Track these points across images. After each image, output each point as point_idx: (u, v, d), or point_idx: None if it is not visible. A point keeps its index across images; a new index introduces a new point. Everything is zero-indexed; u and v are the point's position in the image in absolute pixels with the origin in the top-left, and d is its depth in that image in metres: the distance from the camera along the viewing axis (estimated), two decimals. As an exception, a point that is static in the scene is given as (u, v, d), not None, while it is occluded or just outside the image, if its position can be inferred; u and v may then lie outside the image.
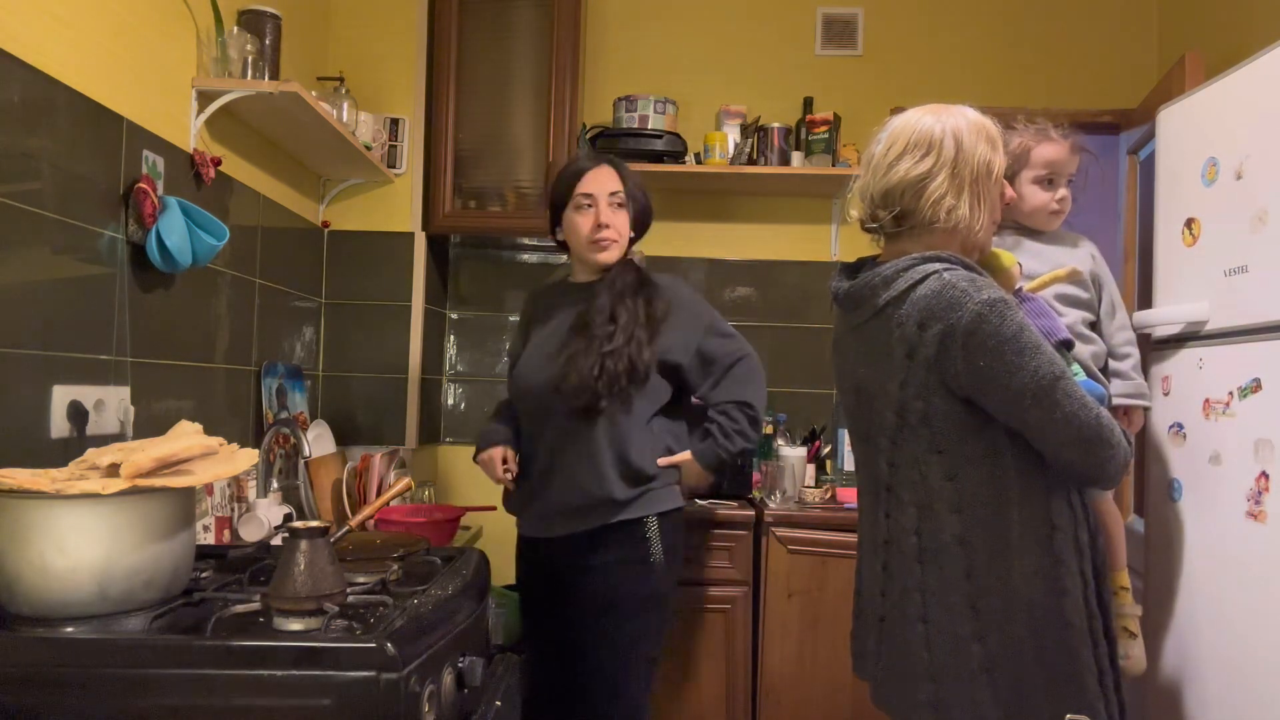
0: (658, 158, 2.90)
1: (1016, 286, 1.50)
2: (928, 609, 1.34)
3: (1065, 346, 1.41)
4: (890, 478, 1.40)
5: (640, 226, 2.07)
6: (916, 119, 1.41)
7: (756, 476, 2.79)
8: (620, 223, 2.00)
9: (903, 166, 1.38)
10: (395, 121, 2.82)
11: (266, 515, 1.98)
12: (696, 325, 1.99)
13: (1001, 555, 1.30)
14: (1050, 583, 1.30)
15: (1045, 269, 1.73)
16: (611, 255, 1.99)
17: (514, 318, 3.20)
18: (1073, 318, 1.81)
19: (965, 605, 1.31)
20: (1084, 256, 1.89)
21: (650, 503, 1.91)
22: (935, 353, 1.28)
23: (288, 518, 2.04)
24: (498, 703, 1.35)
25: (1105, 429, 1.29)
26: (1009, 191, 1.50)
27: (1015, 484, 1.31)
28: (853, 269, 1.50)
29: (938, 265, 1.32)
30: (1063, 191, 1.85)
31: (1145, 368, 2.08)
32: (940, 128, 1.38)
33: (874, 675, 1.47)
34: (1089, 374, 1.67)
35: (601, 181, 1.99)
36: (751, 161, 2.96)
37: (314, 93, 2.23)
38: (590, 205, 1.98)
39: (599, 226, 1.97)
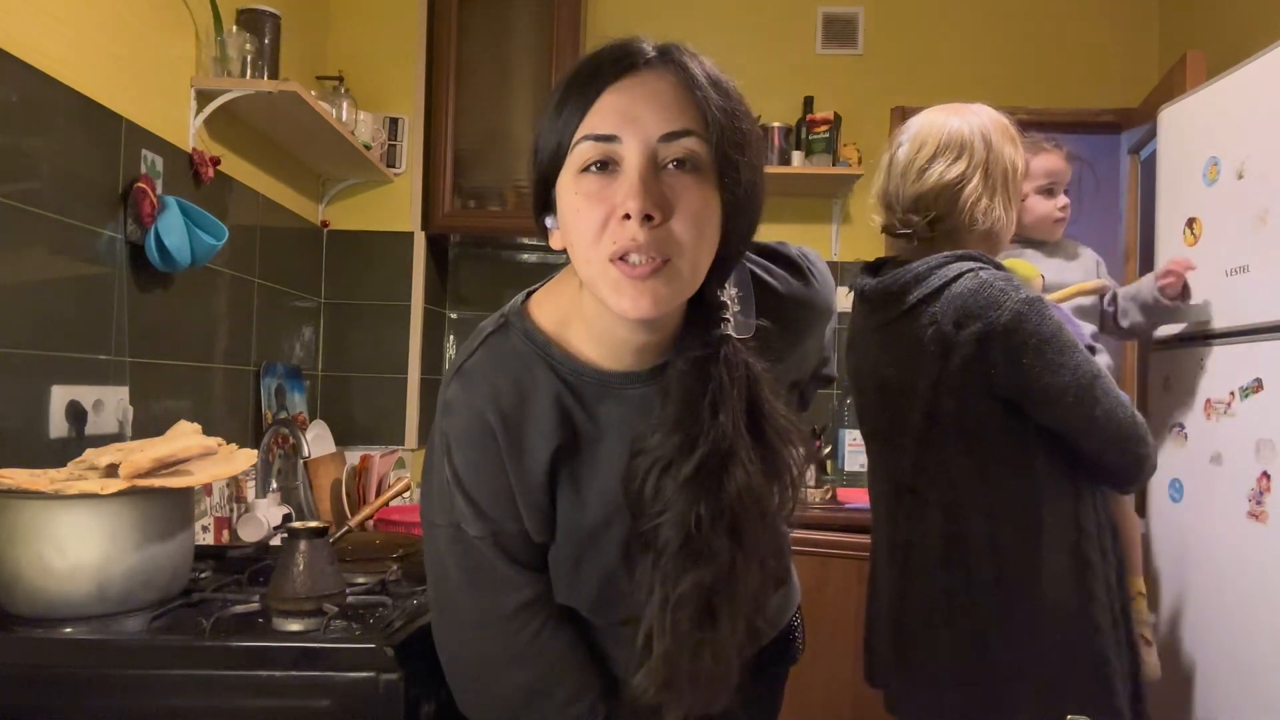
0: (657, 157, 2.89)
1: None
2: (953, 614, 1.31)
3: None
4: (914, 479, 1.37)
5: (740, 227, 0.86)
6: (943, 120, 1.39)
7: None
8: (687, 216, 0.79)
9: (936, 170, 1.36)
10: (395, 121, 2.82)
11: (265, 515, 1.97)
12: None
13: (1030, 559, 1.29)
14: (1077, 586, 1.29)
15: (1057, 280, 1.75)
16: (663, 299, 0.80)
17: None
18: (1085, 331, 1.81)
19: (993, 610, 1.29)
20: (1088, 265, 1.92)
21: (794, 590, 1.26)
22: (974, 352, 1.26)
23: (287, 518, 2.04)
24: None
25: (1141, 426, 1.30)
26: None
27: (1046, 487, 1.30)
28: (874, 268, 1.48)
29: (972, 264, 1.30)
30: (1063, 199, 1.88)
31: (1146, 367, 2.09)
32: (969, 129, 1.37)
33: (889, 682, 1.44)
34: None
35: (640, 108, 0.80)
36: (752, 161, 2.96)
37: (313, 92, 2.22)
38: (608, 165, 0.80)
39: (626, 222, 0.78)
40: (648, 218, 0.77)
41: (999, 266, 1.33)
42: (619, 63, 0.82)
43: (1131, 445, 1.29)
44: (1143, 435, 1.29)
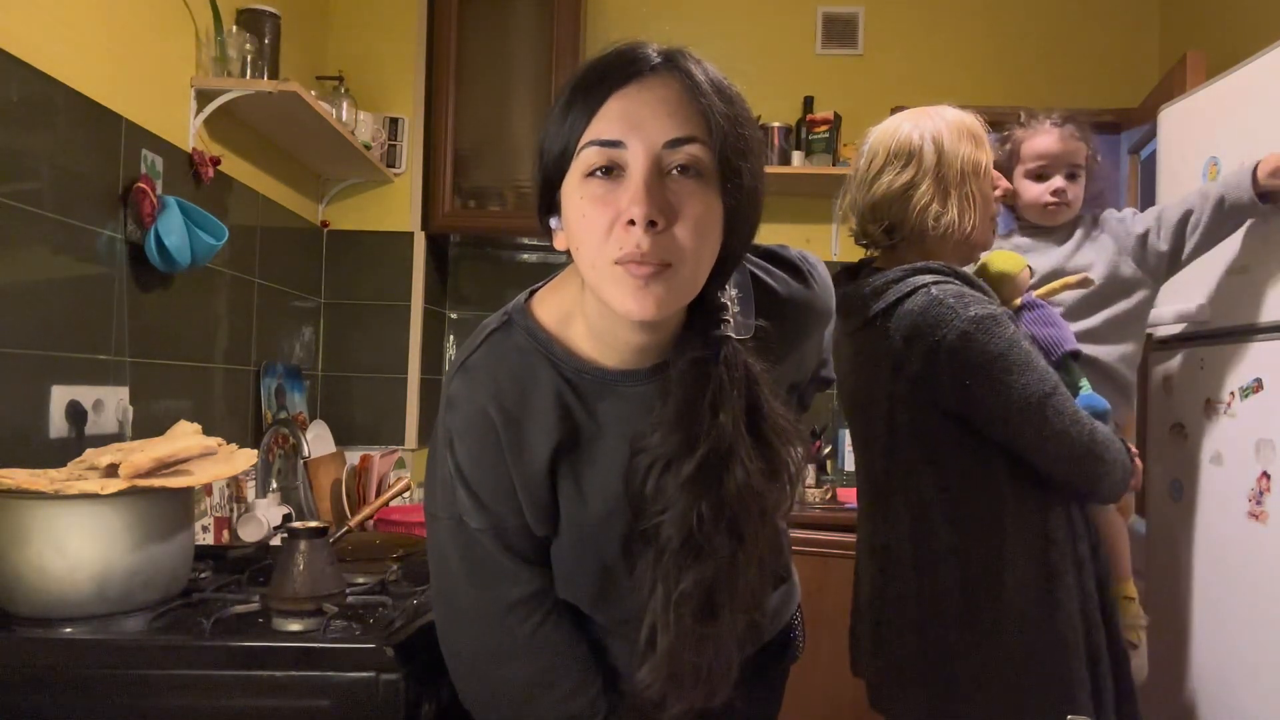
0: (657, 157, 2.89)
1: (1025, 291, 1.48)
2: (922, 618, 1.33)
3: (1073, 358, 1.39)
4: (886, 484, 1.38)
5: (741, 231, 0.87)
6: (894, 128, 1.39)
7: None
8: (689, 222, 0.80)
9: (885, 179, 1.36)
10: (395, 121, 2.82)
11: (265, 515, 1.97)
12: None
13: (994, 567, 1.29)
14: (1043, 595, 1.29)
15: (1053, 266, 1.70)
16: (665, 302, 0.81)
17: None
18: (1097, 321, 1.74)
19: (958, 616, 1.30)
20: (1104, 245, 1.78)
21: (795, 589, 1.29)
22: (921, 369, 1.27)
23: (287, 518, 2.04)
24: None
25: (1099, 445, 1.28)
26: (1003, 184, 1.46)
27: (1010, 496, 1.30)
28: (852, 273, 1.49)
29: (928, 278, 1.29)
30: (1058, 183, 1.74)
31: (1146, 368, 2.08)
32: (918, 134, 1.35)
33: (869, 677, 1.46)
34: (1101, 384, 1.61)
35: (645, 114, 0.81)
36: (751, 161, 2.96)
37: (313, 92, 2.22)
38: (613, 170, 0.81)
39: (630, 227, 0.79)
40: (652, 223, 0.78)
41: (966, 278, 1.31)
42: (625, 68, 0.82)
43: (1087, 464, 1.27)
44: (1099, 454, 1.28)
